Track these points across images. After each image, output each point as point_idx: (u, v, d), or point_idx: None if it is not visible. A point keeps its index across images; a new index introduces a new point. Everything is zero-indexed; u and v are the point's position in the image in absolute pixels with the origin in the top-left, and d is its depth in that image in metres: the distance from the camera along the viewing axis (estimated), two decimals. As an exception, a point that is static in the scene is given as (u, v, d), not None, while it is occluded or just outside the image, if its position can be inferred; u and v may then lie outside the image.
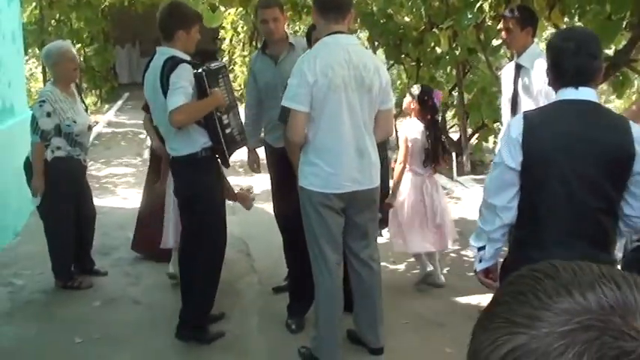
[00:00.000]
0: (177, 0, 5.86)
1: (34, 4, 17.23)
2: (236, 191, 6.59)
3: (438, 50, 10.87)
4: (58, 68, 6.65)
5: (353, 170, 4.93)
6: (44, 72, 16.39)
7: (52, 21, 18.71)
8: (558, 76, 3.60)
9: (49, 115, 6.39)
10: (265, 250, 7.64)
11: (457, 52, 10.10)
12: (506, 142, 3.61)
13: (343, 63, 4.77)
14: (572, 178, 3.41)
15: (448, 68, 11.48)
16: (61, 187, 6.57)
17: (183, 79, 5.25)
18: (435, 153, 6.54)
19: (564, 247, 3.39)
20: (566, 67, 3.53)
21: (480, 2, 8.52)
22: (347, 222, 5.12)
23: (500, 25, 6.55)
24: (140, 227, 7.67)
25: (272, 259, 7.21)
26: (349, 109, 4.82)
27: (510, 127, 3.62)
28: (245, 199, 6.69)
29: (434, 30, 10.72)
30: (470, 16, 8.88)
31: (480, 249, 3.80)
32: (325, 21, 4.90)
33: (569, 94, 3.52)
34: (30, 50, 17.44)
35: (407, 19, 12.25)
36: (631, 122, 3.50)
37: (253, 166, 6.68)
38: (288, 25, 26.84)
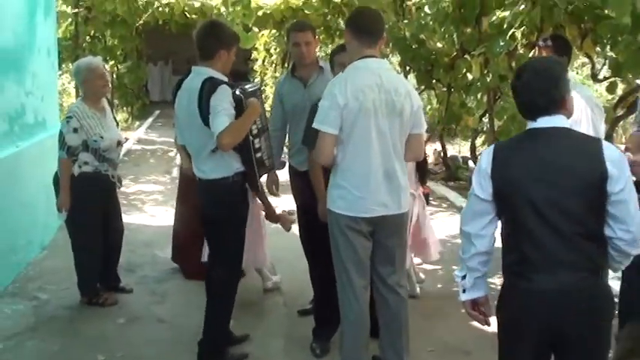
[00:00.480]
0: (217, 19, 5.80)
1: (69, 19, 17.41)
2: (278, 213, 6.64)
3: (470, 76, 10.86)
4: (87, 84, 6.67)
5: (381, 194, 4.89)
6: (77, 87, 16.54)
7: (87, 37, 18.88)
8: (519, 108, 3.66)
9: (75, 130, 6.40)
10: (292, 272, 7.59)
11: (488, 79, 10.07)
12: (477, 173, 3.64)
13: (374, 87, 4.76)
14: (544, 206, 3.40)
15: (479, 95, 11.45)
16: (88, 202, 6.56)
17: (225, 101, 5.21)
18: (424, 174, 6.89)
19: (548, 275, 3.41)
20: (518, 105, 3.64)
21: (513, 30, 8.51)
22: (375, 246, 5.08)
23: (533, 54, 6.52)
24: (176, 242, 7.76)
25: (298, 281, 7.18)
26: (379, 133, 4.80)
27: (481, 159, 3.64)
28: (285, 221, 6.76)
29: (466, 56, 10.72)
30: (502, 43, 8.86)
31: (462, 278, 3.78)
32: (359, 44, 4.89)
33: (531, 124, 3.56)
34: (64, 65, 17.62)
35: (439, 44, 12.25)
36: (605, 142, 3.50)
37: (272, 187, 6.60)
38: (321, 47, 27.00)
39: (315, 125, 4.85)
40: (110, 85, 7.60)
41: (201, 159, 5.51)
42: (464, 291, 3.78)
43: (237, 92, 5.38)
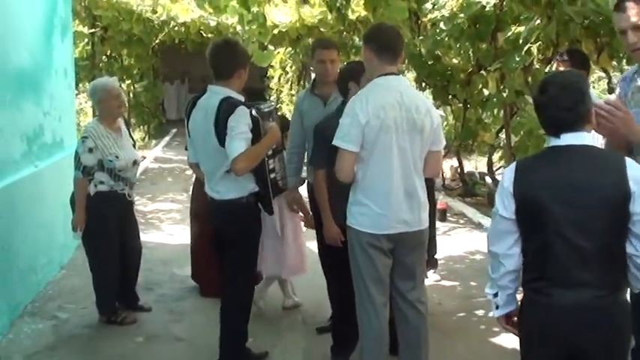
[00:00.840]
0: (231, 38, 5.82)
1: (86, 39, 17.51)
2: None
3: (486, 92, 10.86)
4: (102, 105, 6.70)
5: (402, 211, 4.90)
6: (94, 107, 16.62)
7: (104, 57, 18.98)
8: (542, 127, 3.66)
9: (91, 150, 6.43)
10: (310, 289, 7.57)
11: (504, 95, 10.06)
12: (499, 191, 3.64)
13: (395, 104, 4.78)
14: (566, 225, 3.39)
15: (495, 110, 11.43)
16: (104, 222, 6.58)
17: (243, 123, 5.21)
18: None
19: (568, 291, 3.41)
20: (542, 120, 3.61)
21: (528, 45, 8.51)
22: (395, 263, 5.07)
23: (550, 69, 6.51)
24: (195, 260, 7.78)
25: (316, 298, 7.17)
26: (399, 150, 4.81)
27: (504, 177, 3.65)
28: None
29: (481, 72, 10.72)
30: (518, 58, 8.86)
31: (494, 295, 3.80)
32: (380, 61, 4.91)
33: (554, 141, 3.55)
34: (81, 85, 17.71)
35: (455, 60, 12.26)
36: (628, 160, 3.46)
37: (292, 206, 6.66)
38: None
39: (335, 142, 4.85)
40: (127, 105, 7.61)
41: (215, 179, 5.53)
42: (497, 307, 3.80)
43: (254, 113, 5.36)
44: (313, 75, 6.27)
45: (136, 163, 6.86)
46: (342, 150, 4.81)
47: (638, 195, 3.34)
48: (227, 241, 5.63)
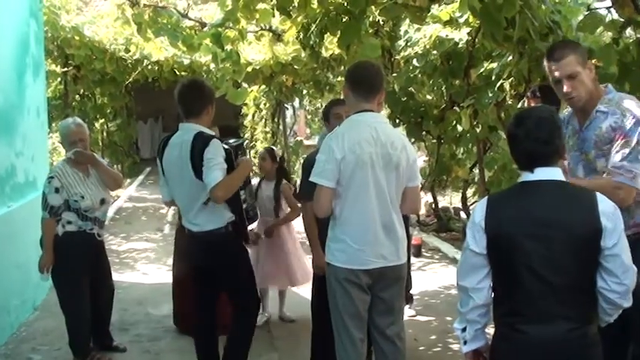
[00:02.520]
0: (198, 78, 5.95)
1: (58, 79, 17.51)
2: None
3: (459, 128, 10.92)
4: (73, 146, 6.63)
5: (380, 246, 4.92)
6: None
7: (76, 96, 18.96)
8: (515, 161, 3.69)
9: (57, 190, 6.41)
10: (287, 328, 7.58)
11: (478, 130, 10.14)
12: (470, 226, 3.65)
13: (371, 140, 4.83)
14: (537, 262, 3.41)
15: (469, 146, 11.51)
16: (73, 262, 6.51)
17: (219, 155, 5.37)
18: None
19: (540, 326, 3.42)
20: (516, 153, 3.64)
21: (501, 81, 8.58)
22: (373, 298, 5.08)
23: (522, 105, 6.58)
24: (177, 302, 7.74)
25: (293, 337, 7.16)
26: (376, 185, 4.86)
27: (475, 212, 3.66)
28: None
29: (455, 108, 10.80)
30: (490, 94, 8.94)
31: (462, 330, 3.78)
32: (355, 97, 5.00)
33: (527, 176, 3.58)
34: (53, 124, 17.64)
35: (428, 97, 12.34)
36: (599, 196, 3.52)
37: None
38: (311, 101, 27.06)
39: (312, 178, 4.93)
40: (100, 144, 7.61)
41: (193, 212, 5.63)
42: (465, 343, 3.79)
43: (226, 147, 5.54)
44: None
45: (104, 202, 6.78)
46: (318, 186, 4.86)
47: (609, 231, 3.40)
48: (216, 274, 5.75)
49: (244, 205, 5.82)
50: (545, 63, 4.58)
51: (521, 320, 3.47)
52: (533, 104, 6.17)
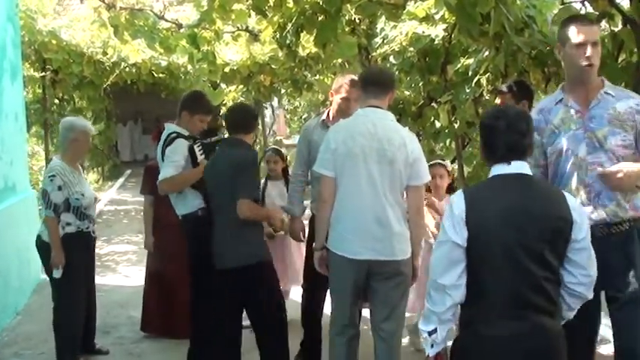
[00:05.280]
0: (198, 90, 7.35)
1: (37, 83, 17.40)
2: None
3: (437, 124, 10.92)
4: (76, 144, 6.66)
5: (371, 239, 5.02)
6: (46, 150, 16.46)
7: (55, 100, 18.84)
8: (491, 153, 3.71)
9: (60, 188, 6.39)
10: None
11: (456, 126, 10.13)
12: (450, 220, 3.62)
13: (366, 134, 5.03)
14: (517, 251, 3.46)
15: (447, 141, 11.51)
16: (74, 264, 6.45)
17: (177, 153, 6.01)
18: None
19: (512, 319, 3.47)
20: (497, 144, 3.66)
21: (478, 77, 8.59)
22: (369, 290, 5.19)
23: (498, 100, 6.59)
24: (147, 306, 7.66)
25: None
26: (369, 178, 5.01)
27: (452, 205, 3.65)
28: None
29: (433, 104, 10.79)
30: (468, 90, 8.95)
31: (430, 333, 3.71)
32: (365, 94, 5.28)
33: (503, 169, 3.63)
34: (32, 129, 17.56)
35: (406, 93, 12.33)
36: (565, 191, 3.69)
37: (299, 234, 6.63)
38: (290, 101, 27.04)
39: (314, 168, 5.33)
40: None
41: (173, 199, 6.33)
42: (432, 345, 3.73)
43: (196, 146, 6.15)
44: (330, 108, 6.32)
45: (96, 200, 6.97)
46: (321, 175, 5.21)
47: (578, 224, 3.53)
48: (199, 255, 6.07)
49: None
50: (566, 27, 4.58)
51: (496, 314, 3.50)
52: (506, 100, 6.17)
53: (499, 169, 3.65)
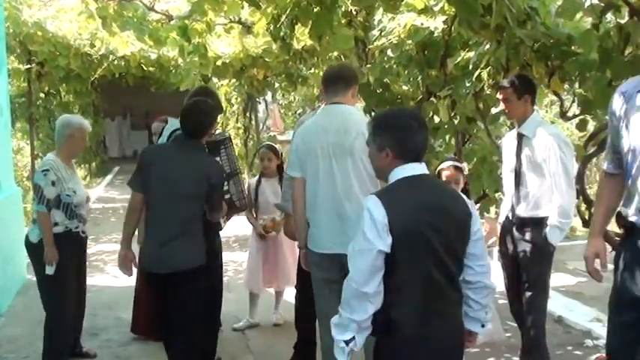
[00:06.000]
0: (208, 87, 7.53)
1: (22, 77, 17.33)
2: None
3: (437, 119, 10.89)
4: (72, 140, 6.65)
5: (335, 233, 5.25)
6: (32, 146, 16.41)
7: (41, 94, 18.77)
8: (405, 153, 3.73)
9: (53, 183, 6.38)
10: (261, 329, 7.55)
11: (456, 121, 10.10)
12: (372, 226, 3.58)
13: (321, 130, 5.31)
14: (439, 249, 3.56)
15: (447, 137, 11.48)
16: (62, 265, 6.40)
17: None
18: None
19: (434, 317, 3.60)
20: (413, 144, 3.74)
21: (479, 70, 8.55)
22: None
23: (499, 95, 6.58)
24: (137, 307, 7.61)
25: (267, 338, 7.13)
26: (327, 174, 5.27)
27: (373, 211, 3.60)
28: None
29: (432, 99, 10.76)
30: (468, 84, 8.91)
31: (348, 342, 3.67)
32: (326, 94, 5.46)
33: (413, 169, 3.71)
34: (18, 124, 17.49)
35: (404, 88, 12.29)
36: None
37: (294, 232, 6.55)
38: (284, 95, 27.00)
39: (286, 170, 5.65)
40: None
41: None
42: (349, 353, 3.70)
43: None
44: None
45: (88, 199, 6.92)
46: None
47: (474, 217, 3.80)
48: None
49: (228, 196, 6.25)
50: None
51: (419, 313, 3.59)
52: (508, 94, 6.18)
53: (411, 170, 3.70)
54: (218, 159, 6.16)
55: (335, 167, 5.23)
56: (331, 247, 5.25)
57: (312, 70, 16.34)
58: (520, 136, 6.24)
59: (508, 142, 6.59)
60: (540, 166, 6.02)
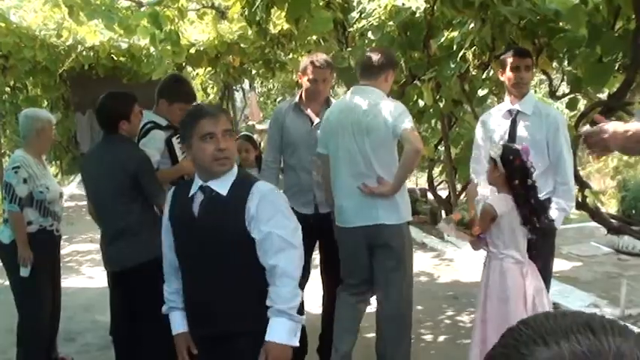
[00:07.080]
0: (178, 74, 7.54)
1: (-14, 72, 17.25)
2: None
3: (421, 103, 10.90)
4: (43, 134, 6.63)
5: (356, 207, 5.64)
6: (7, 141, 16.32)
7: (7, 88, 18.66)
8: None
9: (25, 181, 6.35)
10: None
11: (441, 105, 10.10)
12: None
13: (345, 109, 5.69)
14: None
15: (433, 122, 11.49)
16: (37, 266, 6.38)
17: (149, 147, 5.88)
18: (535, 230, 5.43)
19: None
20: None
21: (463, 51, 8.55)
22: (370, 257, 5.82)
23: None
24: None
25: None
26: (346, 151, 5.63)
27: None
28: None
29: (415, 82, 10.76)
30: (452, 65, 8.90)
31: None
32: (359, 74, 5.86)
33: None
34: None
35: (387, 71, 12.28)
36: None
37: None
38: (262, 82, 26.96)
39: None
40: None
41: None
42: None
43: (175, 139, 5.98)
44: (301, 90, 6.39)
45: (61, 195, 6.89)
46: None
47: None
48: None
49: None
50: None
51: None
52: (531, 64, 6.12)
53: None
54: (185, 160, 5.95)
55: (355, 145, 5.58)
56: (353, 221, 5.68)
57: (291, 56, 16.30)
58: (514, 113, 6.02)
59: (494, 119, 6.25)
60: (539, 144, 5.83)
